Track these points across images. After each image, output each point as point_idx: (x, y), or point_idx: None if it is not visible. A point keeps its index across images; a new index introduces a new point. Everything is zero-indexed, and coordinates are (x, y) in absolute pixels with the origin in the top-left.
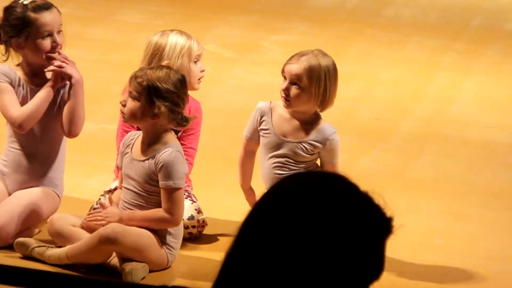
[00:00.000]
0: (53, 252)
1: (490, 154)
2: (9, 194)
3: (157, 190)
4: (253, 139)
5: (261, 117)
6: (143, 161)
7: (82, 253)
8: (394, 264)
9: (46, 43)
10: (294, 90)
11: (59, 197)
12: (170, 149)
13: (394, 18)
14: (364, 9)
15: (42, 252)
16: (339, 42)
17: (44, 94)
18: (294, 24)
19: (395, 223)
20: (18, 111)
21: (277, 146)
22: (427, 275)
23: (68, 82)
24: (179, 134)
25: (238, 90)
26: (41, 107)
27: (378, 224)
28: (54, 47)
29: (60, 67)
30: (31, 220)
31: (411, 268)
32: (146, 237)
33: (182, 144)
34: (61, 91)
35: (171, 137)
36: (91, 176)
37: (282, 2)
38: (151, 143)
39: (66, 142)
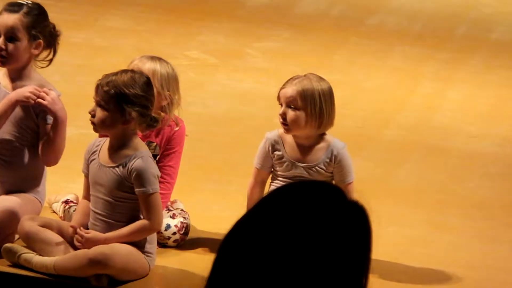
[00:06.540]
0: (40, 260)
1: (472, 163)
2: None
3: (128, 196)
4: (264, 168)
5: (273, 147)
6: (113, 167)
7: (69, 269)
8: (374, 273)
9: None
10: (290, 113)
11: (40, 202)
12: (142, 156)
13: (378, 27)
14: (348, 17)
15: (29, 259)
16: (323, 50)
17: (0, 108)
18: (278, 31)
19: (375, 232)
20: None
21: (292, 171)
22: (408, 284)
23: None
24: (160, 153)
25: (221, 96)
26: None
27: (358, 242)
28: None
29: (39, 102)
30: (12, 225)
31: (392, 277)
32: (132, 254)
33: (161, 163)
34: (41, 111)
35: (139, 141)
36: (72, 181)
37: (266, 9)
38: (119, 148)
39: None
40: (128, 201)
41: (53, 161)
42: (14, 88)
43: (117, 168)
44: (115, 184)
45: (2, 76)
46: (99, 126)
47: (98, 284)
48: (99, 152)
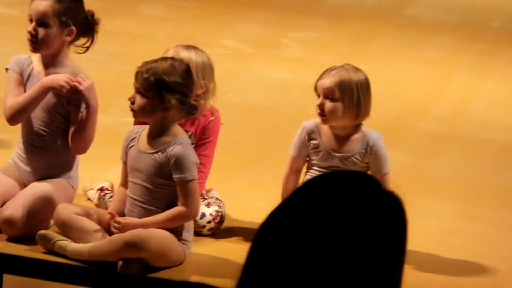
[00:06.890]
0: (76, 247)
1: (508, 155)
2: (25, 186)
3: (166, 183)
4: (300, 157)
5: (309, 136)
6: (153, 153)
7: (105, 254)
8: (408, 264)
9: (28, 27)
10: (328, 105)
11: (73, 188)
12: (181, 143)
13: (414, 18)
14: (384, 8)
15: (64, 246)
16: (359, 40)
17: (32, 93)
18: (314, 21)
19: (409, 223)
20: (9, 103)
21: (328, 161)
22: (442, 275)
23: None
24: (195, 142)
25: (257, 85)
26: (29, 105)
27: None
28: (29, 34)
29: (75, 86)
30: (46, 211)
31: (426, 268)
32: (168, 239)
33: (196, 151)
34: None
35: (178, 128)
36: (107, 169)
37: None
38: (159, 135)
39: None
40: (166, 188)
41: (82, 149)
42: (47, 75)
43: (156, 154)
44: (153, 170)
45: (36, 62)
46: (139, 113)
47: (129, 270)
48: (138, 138)
